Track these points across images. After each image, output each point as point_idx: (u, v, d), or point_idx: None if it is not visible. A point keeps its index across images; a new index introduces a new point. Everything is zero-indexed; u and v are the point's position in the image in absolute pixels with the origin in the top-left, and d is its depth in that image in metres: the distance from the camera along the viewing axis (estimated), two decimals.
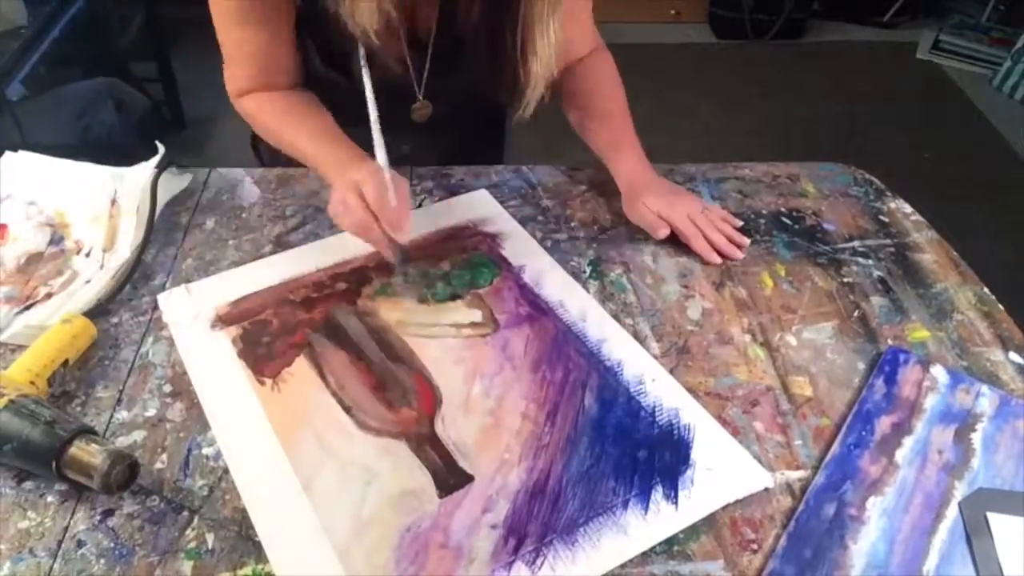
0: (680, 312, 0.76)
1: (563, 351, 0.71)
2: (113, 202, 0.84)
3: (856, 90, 2.79)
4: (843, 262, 0.83)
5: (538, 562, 0.56)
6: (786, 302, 0.78)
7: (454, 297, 0.76)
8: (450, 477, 0.61)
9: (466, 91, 0.89)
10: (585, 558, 0.56)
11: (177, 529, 0.57)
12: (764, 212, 0.89)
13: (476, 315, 0.75)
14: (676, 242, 0.84)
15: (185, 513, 0.58)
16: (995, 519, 0.58)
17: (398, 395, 0.67)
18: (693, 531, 0.58)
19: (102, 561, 0.55)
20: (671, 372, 0.70)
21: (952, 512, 0.59)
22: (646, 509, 0.59)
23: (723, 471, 0.62)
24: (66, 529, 0.57)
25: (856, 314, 0.76)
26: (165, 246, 0.82)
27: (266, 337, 0.72)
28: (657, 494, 0.60)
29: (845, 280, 0.80)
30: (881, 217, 0.89)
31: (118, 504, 0.58)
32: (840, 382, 0.70)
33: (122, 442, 0.63)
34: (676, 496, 0.60)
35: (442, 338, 0.72)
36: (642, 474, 0.61)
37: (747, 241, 0.84)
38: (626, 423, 0.65)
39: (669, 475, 0.61)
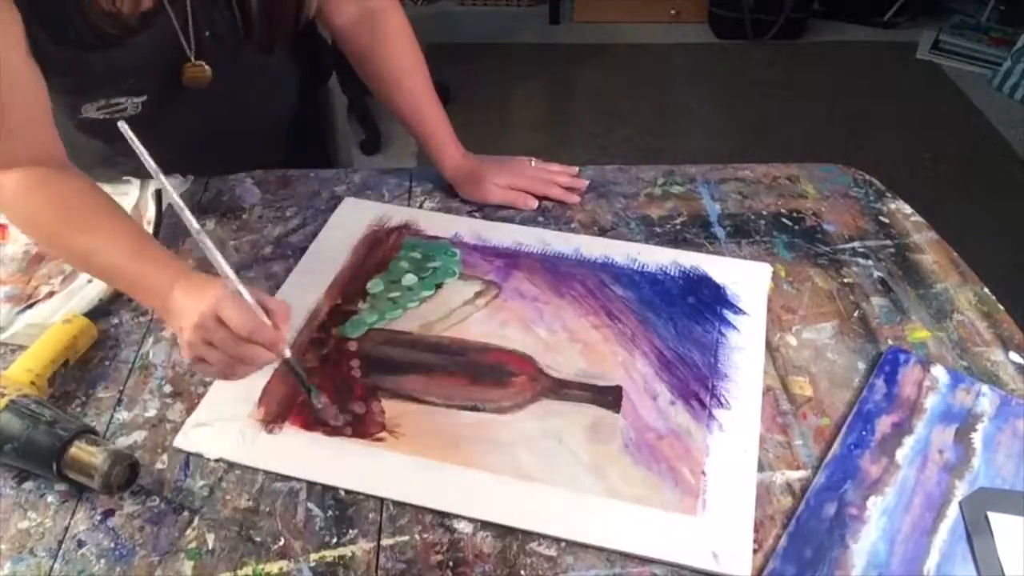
0: None
1: (560, 271, 0.79)
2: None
3: (856, 90, 2.79)
4: (843, 263, 0.83)
5: (724, 400, 0.66)
6: (786, 302, 0.78)
7: (438, 286, 0.77)
8: (607, 396, 0.67)
9: (239, 38, 0.79)
10: (743, 379, 0.68)
11: (177, 529, 0.57)
12: (764, 213, 0.89)
13: (474, 285, 0.77)
14: (676, 242, 0.84)
15: (185, 513, 0.58)
16: (996, 518, 0.58)
17: (495, 375, 0.69)
18: None
19: (102, 561, 0.55)
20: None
21: (953, 512, 0.59)
22: (736, 328, 0.73)
23: (741, 279, 0.78)
24: (66, 529, 0.57)
25: (856, 314, 0.77)
26: (165, 246, 0.82)
27: (331, 408, 0.65)
28: (728, 313, 0.74)
29: (845, 280, 0.80)
30: (881, 218, 0.89)
31: (118, 504, 0.58)
32: (840, 382, 0.70)
33: (122, 442, 0.63)
34: (740, 308, 0.75)
35: (468, 317, 0.74)
36: (708, 310, 0.75)
37: (584, 184, 0.92)
38: (658, 290, 0.77)
39: (721, 300, 0.76)
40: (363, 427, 0.65)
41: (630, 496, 0.59)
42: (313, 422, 0.65)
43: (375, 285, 0.78)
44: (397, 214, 0.87)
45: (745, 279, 0.78)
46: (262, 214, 0.87)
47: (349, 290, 0.77)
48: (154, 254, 0.65)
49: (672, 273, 0.78)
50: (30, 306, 0.73)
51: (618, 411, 0.66)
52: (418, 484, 0.60)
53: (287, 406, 0.66)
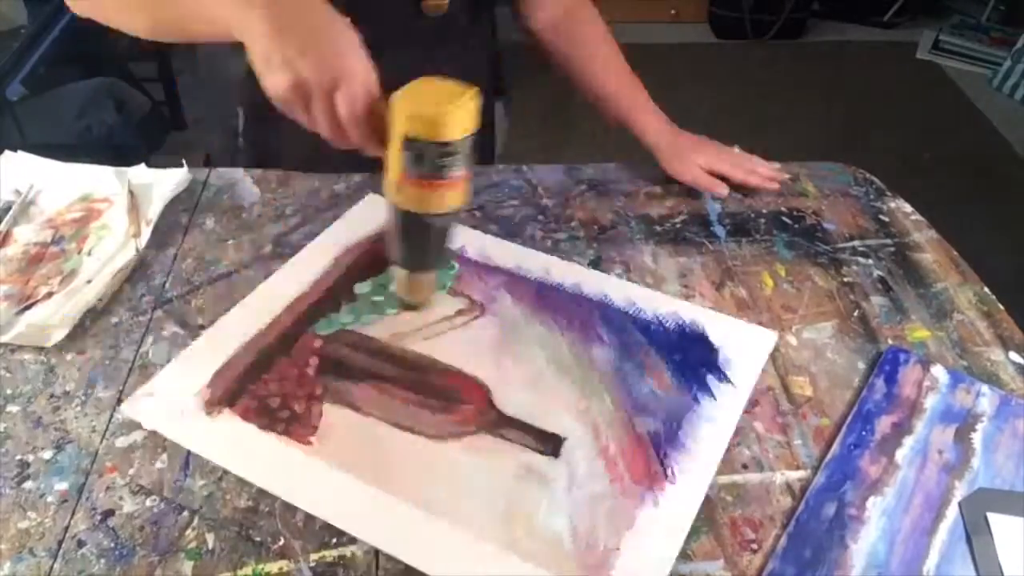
0: None
1: (552, 303, 0.75)
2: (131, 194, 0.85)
3: (856, 90, 2.79)
4: (843, 262, 0.83)
5: (671, 472, 0.61)
6: (786, 302, 0.78)
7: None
8: (547, 444, 0.63)
9: None
10: (701, 453, 0.62)
11: (177, 529, 0.57)
12: (764, 212, 0.89)
13: (458, 302, 0.75)
14: (676, 241, 0.84)
15: (185, 513, 0.58)
16: (995, 519, 0.58)
17: (444, 398, 0.66)
18: (693, 531, 0.58)
19: (102, 561, 0.55)
20: None
21: (952, 512, 0.59)
22: (714, 396, 0.66)
23: (740, 344, 0.71)
24: (66, 529, 0.57)
25: (856, 314, 0.76)
26: (165, 246, 0.82)
27: (275, 399, 0.66)
28: (712, 381, 0.68)
29: (845, 280, 0.80)
30: (881, 217, 0.89)
31: (118, 504, 0.58)
32: (840, 382, 0.70)
33: (122, 442, 0.63)
34: (727, 376, 0.68)
35: (441, 335, 0.72)
36: (691, 371, 0.69)
37: (784, 176, 0.93)
38: (646, 340, 0.71)
39: (710, 364, 0.69)
40: (295, 427, 0.63)
41: (528, 553, 0.55)
42: (253, 413, 0.64)
43: (363, 287, 0.77)
44: None
45: (745, 344, 0.71)
46: (261, 213, 0.87)
47: (336, 287, 0.76)
48: None
49: (668, 325, 0.73)
50: (28, 307, 0.73)
51: (556, 459, 0.62)
52: (318, 494, 0.59)
53: (234, 393, 0.66)
